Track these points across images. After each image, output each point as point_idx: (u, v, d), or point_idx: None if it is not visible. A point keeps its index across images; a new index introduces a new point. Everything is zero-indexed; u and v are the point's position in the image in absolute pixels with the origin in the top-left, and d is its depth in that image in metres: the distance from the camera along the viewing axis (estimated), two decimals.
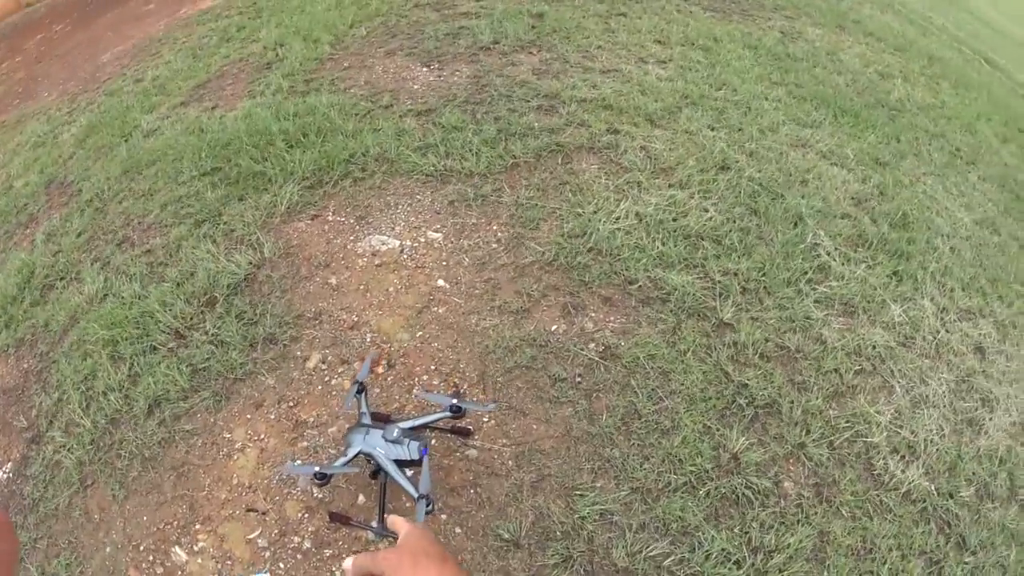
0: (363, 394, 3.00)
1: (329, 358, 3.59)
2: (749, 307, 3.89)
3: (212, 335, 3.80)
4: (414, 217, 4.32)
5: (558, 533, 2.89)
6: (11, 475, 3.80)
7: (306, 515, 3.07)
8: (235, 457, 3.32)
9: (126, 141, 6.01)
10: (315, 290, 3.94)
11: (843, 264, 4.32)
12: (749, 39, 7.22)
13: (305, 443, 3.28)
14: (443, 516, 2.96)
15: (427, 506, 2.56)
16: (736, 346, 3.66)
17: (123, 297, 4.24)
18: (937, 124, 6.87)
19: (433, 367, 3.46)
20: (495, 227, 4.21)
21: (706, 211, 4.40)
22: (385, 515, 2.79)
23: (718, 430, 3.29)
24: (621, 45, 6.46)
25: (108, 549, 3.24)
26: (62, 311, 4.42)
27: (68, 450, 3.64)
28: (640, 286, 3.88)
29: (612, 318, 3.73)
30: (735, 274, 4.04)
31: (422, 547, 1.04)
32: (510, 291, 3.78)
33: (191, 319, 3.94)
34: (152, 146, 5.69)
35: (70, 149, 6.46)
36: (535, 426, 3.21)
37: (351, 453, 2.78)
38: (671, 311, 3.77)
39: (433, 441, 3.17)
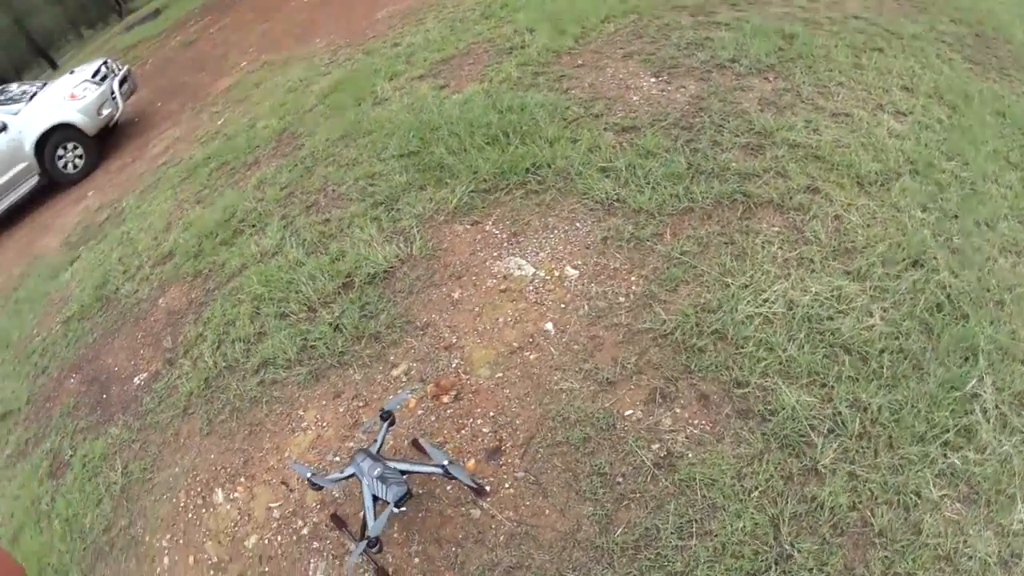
0: (387, 422, 3.40)
1: (413, 371, 4.02)
2: (857, 458, 3.41)
3: (335, 317, 4.43)
4: (563, 247, 4.50)
5: None
6: (142, 383, 4.89)
7: (318, 507, 3.62)
8: (297, 433, 3.98)
9: (358, 106, 6.82)
10: (436, 299, 4.36)
11: (995, 431, 3.56)
12: (1000, 103, 6.43)
13: (351, 444, 3.80)
14: (415, 560, 3.30)
15: (372, 547, 2.96)
16: (811, 502, 3.27)
17: (288, 258, 5.04)
18: None
19: (492, 413, 3.72)
20: (634, 278, 4.22)
21: (870, 315, 3.94)
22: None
23: None
24: (864, 86, 6.08)
25: (176, 469, 4.19)
26: (238, 256, 5.37)
27: (187, 379, 4.65)
28: (746, 393, 3.60)
29: (697, 421, 3.54)
30: (864, 408, 3.57)
31: None
32: (608, 356, 3.82)
33: (327, 296, 4.60)
34: (375, 115, 6.42)
35: (313, 101, 7.48)
36: (547, 511, 3.32)
37: (345, 472, 3.23)
38: (763, 434, 3.46)
39: (449, 487, 3.48)
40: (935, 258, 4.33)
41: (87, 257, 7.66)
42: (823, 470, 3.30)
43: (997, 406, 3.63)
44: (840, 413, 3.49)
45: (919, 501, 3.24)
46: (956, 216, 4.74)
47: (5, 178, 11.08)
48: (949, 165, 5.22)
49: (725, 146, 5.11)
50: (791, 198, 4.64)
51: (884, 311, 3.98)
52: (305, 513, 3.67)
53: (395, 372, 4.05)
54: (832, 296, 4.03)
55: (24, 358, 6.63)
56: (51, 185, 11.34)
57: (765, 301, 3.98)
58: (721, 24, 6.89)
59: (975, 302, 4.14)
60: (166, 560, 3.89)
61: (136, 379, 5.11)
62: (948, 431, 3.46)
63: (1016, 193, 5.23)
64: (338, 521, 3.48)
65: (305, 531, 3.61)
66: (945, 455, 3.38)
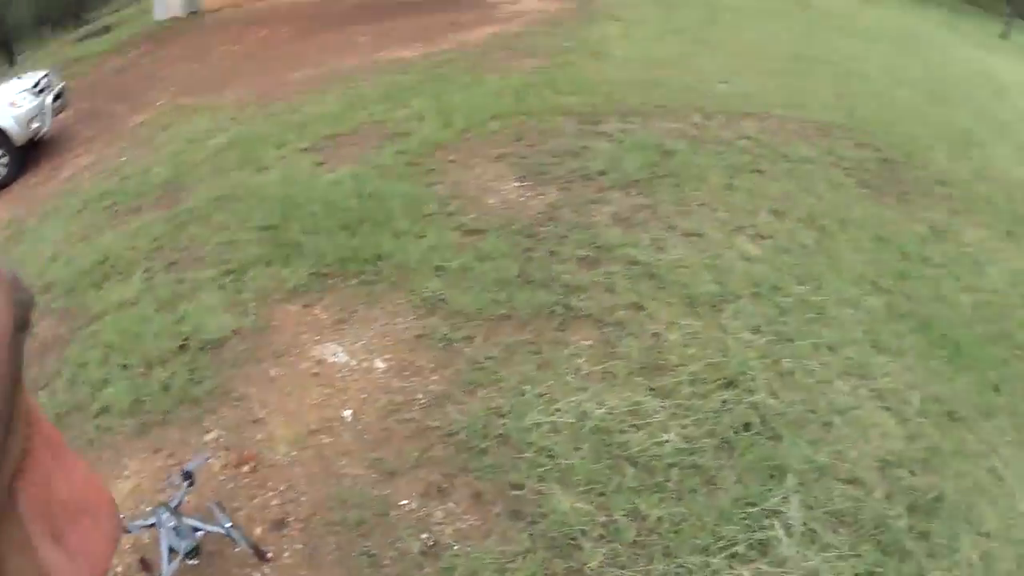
0: (188, 480, 3.93)
1: (222, 439, 4.46)
2: (627, 564, 3.66)
3: (166, 377, 4.88)
4: (379, 339, 4.96)
5: None
6: None
7: (131, 550, 4.04)
8: (120, 480, 4.39)
9: (241, 169, 7.34)
10: (256, 374, 4.81)
11: (796, 545, 3.80)
12: (884, 229, 6.93)
13: (164, 496, 4.18)
14: None
15: None
16: None
17: (141, 312, 5.48)
18: None
19: (282, 488, 4.15)
20: (436, 377, 4.63)
21: (666, 431, 4.31)
22: None
23: None
24: (728, 207, 6.55)
25: None
26: (101, 301, 5.82)
27: (43, 411, 5.08)
28: (520, 495, 3.91)
29: (468, 517, 3.85)
30: (642, 518, 3.83)
31: None
32: (395, 448, 4.24)
33: (164, 356, 5.03)
34: (253, 182, 6.93)
35: (206, 156, 8.03)
36: None
37: (148, 521, 3.65)
38: (530, 535, 3.74)
39: (237, 550, 3.85)
40: (754, 379, 4.75)
41: None
42: (590, 572, 3.65)
43: (805, 523, 3.95)
44: (615, 521, 3.84)
45: None
46: (792, 340, 5.17)
47: None
48: (799, 289, 5.68)
49: (562, 257, 5.62)
50: (612, 314, 5.11)
51: (683, 427, 4.36)
52: (119, 553, 4.02)
53: (207, 437, 4.49)
54: (628, 411, 4.43)
55: None
56: None
57: (556, 411, 4.38)
58: (604, 134, 7.46)
59: (794, 423, 4.52)
60: None
61: None
62: (737, 544, 3.80)
63: (874, 318, 5.71)
64: (146, 565, 3.87)
65: (119, 569, 3.98)
66: (731, 567, 3.71)
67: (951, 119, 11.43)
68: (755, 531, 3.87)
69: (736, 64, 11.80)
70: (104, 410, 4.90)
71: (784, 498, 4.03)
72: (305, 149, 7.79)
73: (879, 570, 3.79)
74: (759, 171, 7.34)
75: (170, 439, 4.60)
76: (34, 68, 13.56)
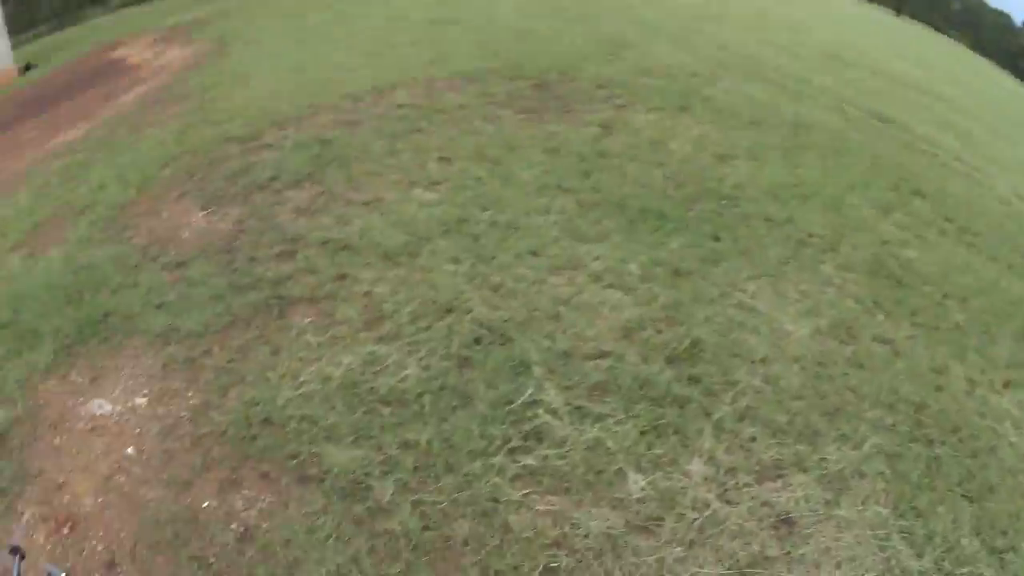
0: (18, 554, 3.77)
1: (37, 514, 4.70)
2: (418, 487, 4.05)
3: None
4: (132, 381, 5.20)
5: None
6: None
7: None
8: None
9: None
10: (43, 449, 5.06)
11: (570, 424, 4.26)
12: (552, 140, 7.61)
13: None
14: None
15: None
16: (384, 535, 3.85)
17: None
18: (786, 207, 6.95)
19: (102, 533, 4.46)
20: (191, 393, 4.96)
21: (404, 368, 4.75)
22: None
23: None
24: (398, 168, 7.12)
25: None
26: None
27: None
28: (300, 462, 4.31)
29: (264, 496, 4.20)
30: (413, 446, 4.26)
31: None
32: (181, 463, 4.53)
33: None
34: None
35: None
36: None
37: None
38: (323, 491, 4.11)
39: None
40: (469, 300, 5.22)
41: None
42: (387, 506, 4.00)
43: (568, 402, 4.39)
44: (391, 456, 4.29)
45: (498, 506, 3.87)
46: (493, 257, 5.65)
47: None
48: (485, 215, 6.21)
49: (260, 259, 6.07)
50: (322, 289, 5.59)
51: (419, 360, 4.84)
52: None
53: (24, 519, 4.71)
54: (367, 362, 4.91)
55: None
56: None
57: (302, 383, 4.86)
58: (265, 146, 7.89)
59: (522, 324, 4.97)
60: None
61: None
62: (511, 440, 4.21)
63: (569, 216, 6.23)
64: None
65: None
66: (515, 460, 4.11)
67: (597, 31, 12.30)
68: (523, 423, 4.35)
69: (373, 47, 12.34)
70: None
71: (538, 387, 4.52)
72: (13, 248, 7.80)
73: (661, 421, 4.26)
74: (419, 130, 7.91)
75: None
76: None
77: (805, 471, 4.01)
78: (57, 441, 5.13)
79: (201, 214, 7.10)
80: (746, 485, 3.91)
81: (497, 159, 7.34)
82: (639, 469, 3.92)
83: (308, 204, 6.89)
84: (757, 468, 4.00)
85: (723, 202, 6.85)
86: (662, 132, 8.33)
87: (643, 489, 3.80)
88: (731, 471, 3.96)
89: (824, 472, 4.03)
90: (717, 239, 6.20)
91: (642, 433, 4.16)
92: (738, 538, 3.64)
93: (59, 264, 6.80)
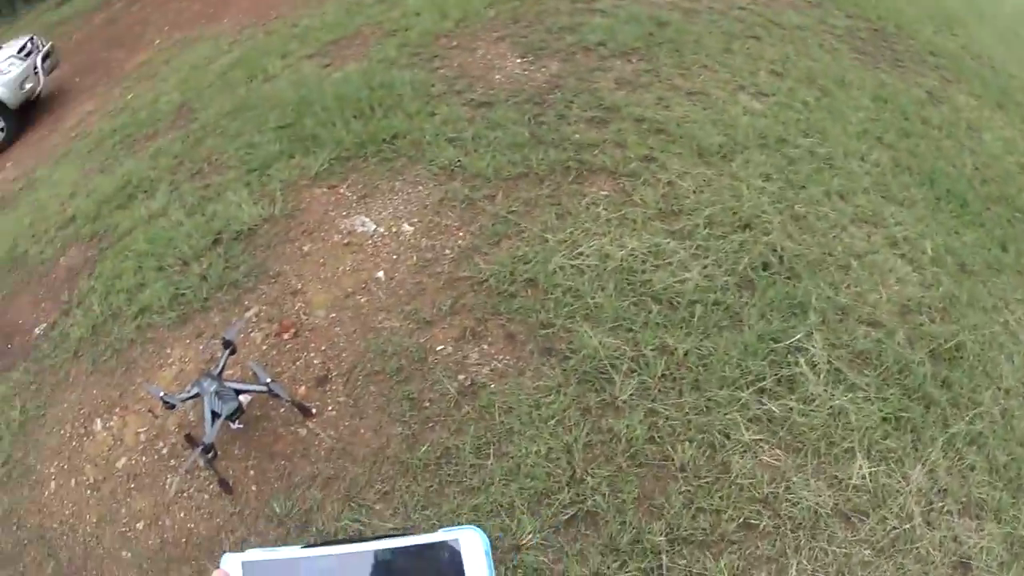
0: (228, 349, 4.00)
1: (263, 313, 4.59)
2: (658, 396, 3.75)
3: (203, 269, 5.00)
4: (404, 207, 5.07)
5: (314, 529, 3.58)
6: (41, 333, 5.48)
7: (176, 430, 4.23)
8: (164, 368, 4.56)
9: (249, 82, 7.42)
10: (289, 252, 4.93)
11: (825, 386, 3.85)
12: (883, 90, 6.94)
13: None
14: (251, 471, 3.89)
15: (207, 453, 3.61)
16: (607, 433, 3.62)
17: (171, 219, 5.59)
18: None
19: (323, 348, 4.29)
20: (461, 233, 4.81)
21: (687, 270, 4.36)
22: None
23: (518, 519, 3.36)
24: (730, 69, 6.58)
25: (65, 405, 4.76)
26: (129, 219, 5.94)
27: (78, 326, 5.20)
28: (550, 334, 4.07)
29: (502, 357, 4.03)
30: (670, 352, 3.91)
31: None
32: (428, 300, 4.37)
33: (199, 252, 5.16)
34: (262, 92, 7.02)
35: (212, 78, 8.06)
36: (363, 431, 3.87)
37: (191, 392, 3.82)
38: (563, 370, 3.87)
39: (282, 410, 4.05)
40: (769, 222, 4.79)
41: (1, 223, 8.21)
42: (621, 405, 3.75)
43: (830, 361, 4.00)
44: (644, 355, 3.93)
45: (727, 442, 3.58)
46: (804, 187, 5.20)
47: None
48: (805, 141, 5.70)
49: (570, 119, 5.67)
50: (625, 166, 5.16)
51: (703, 267, 4.43)
52: (166, 436, 4.25)
53: (248, 313, 4.62)
54: (649, 252, 4.51)
55: None
56: None
57: (579, 254, 4.48)
58: (598, 11, 7.43)
59: (812, 265, 4.56)
60: (53, 484, 4.41)
61: (36, 329, 5.62)
62: (765, 379, 3.86)
63: (883, 170, 5.71)
64: (191, 440, 4.03)
65: (165, 451, 4.19)
66: (761, 402, 3.77)
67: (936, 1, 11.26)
68: (781, 367, 3.92)
69: None
70: (143, 311, 5.04)
71: (808, 334, 4.07)
72: (310, 55, 7.80)
73: (905, 415, 3.83)
74: (755, 37, 7.28)
75: (211, 323, 4.75)
76: (15, 37, 13.45)
77: (999, 522, 3.59)
78: (307, 248, 4.99)
79: (518, 60, 6.72)
80: (948, 512, 3.55)
81: (827, 90, 6.68)
82: (868, 456, 3.59)
83: (632, 78, 6.38)
84: (963, 500, 3.62)
85: (1017, 215, 5.99)
86: (979, 120, 7.39)
87: (864, 478, 3.49)
88: (942, 492, 3.60)
89: (1012, 531, 3.58)
90: (1004, 249, 5.45)
91: (884, 419, 3.79)
92: (920, 563, 3.35)
93: (356, 78, 6.65)
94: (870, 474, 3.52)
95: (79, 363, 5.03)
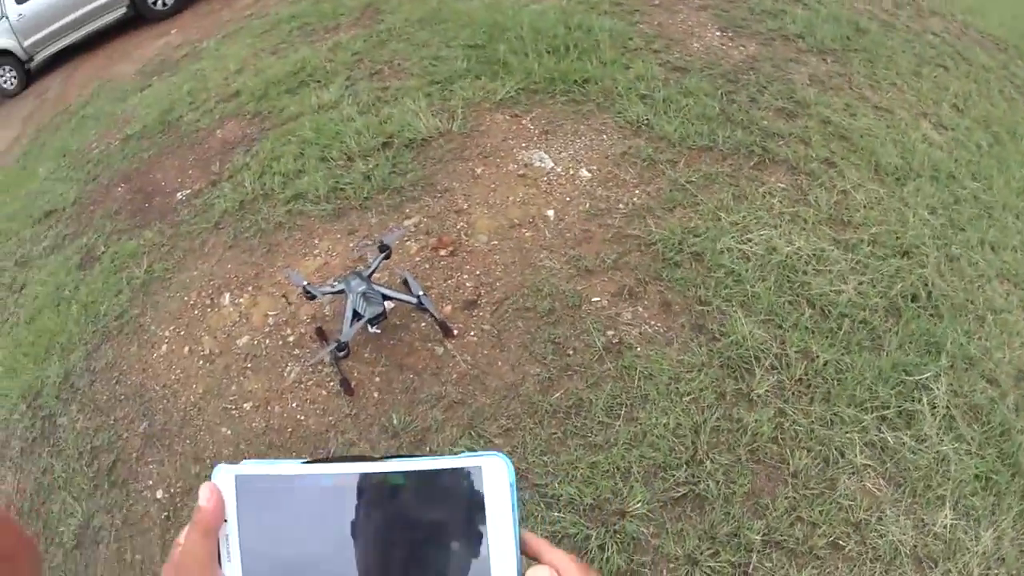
0: (383, 253, 4.01)
1: (422, 224, 4.64)
2: (791, 399, 3.74)
3: (368, 169, 5.06)
4: (585, 152, 5.03)
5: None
6: (183, 198, 5.59)
7: (308, 321, 4.27)
8: (308, 258, 4.62)
9: None
10: (460, 171, 4.95)
11: (938, 429, 3.79)
12: None
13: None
14: (377, 378, 3.93)
15: (340, 351, 3.67)
16: (736, 423, 3.61)
17: (342, 113, 5.67)
18: None
19: (478, 272, 4.32)
20: (638, 191, 4.74)
21: (843, 282, 4.31)
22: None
23: (631, 486, 3.35)
24: (916, 93, 6.43)
25: (195, 272, 4.86)
26: (297, 104, 6.06)
27: (225, 199, 5.29)
28: (705, 311, 4.04)
29: (654, 322, 4.00)
30: (811, 358, 3.89)
31: None
32: (593, 249, 4.36)
33: (366, 151, 5.23)
34: (455, 7, 7.04)
35: None
36: (500, 363, 3.88)
37: (336, 287, 3.89)
38: (709, 350, 3.86)
39: (423, 324, 4.09)
40: (926, 255, 4.70)
41: (158, 86, 8.39)
42: (755, 398, 3.72)
43: (948, 407, 3.93)
44: (787, 355, 3.90)
45: (840, 460, 3.55)
46: (963, 229, 5.10)
47: (92, 5, 11.87)
48: (972, 184, 5.57)
49: (761, 105, 5.58)
50: (806, 164, 5.08)
51: (859, 283, 4.36)
52: (295, 324, 4.32)
53: (407, 222, 4.66)
54: (813, 255, 4.45)
55: (79, 166, 7.42)
56: (136, 18, 12.12)
57: (748, 240, 4.44)
58: (800, 2, 7.30)
59: (955, 308, 4.47)
60: (164, 347, 4.56)
61: (179, 194, 5.80)
62: (888, 408, 3.82)
63: None
64: (321, 334, 4.12)
65: (291, 339, 4.26)
66: (880, 429, 3.74)
67: None
68: (906, 400, 3.87)
69: None
70: (297, 196, 5.12)
71: (936, 375, 3.99)
72: None
73: (994, 476, 3.76)
74: (943, 67, 7.09)
75: (366, 222, 4.80)
76: None
77: None
78: (479, 170, 5.00)
79: (717, 33, 6.62)
80: None
81: (999, 138, 6.47)
82: (954, 507, 3.51)
83: (825, 78, 6.27)
84: (1014, 573, 3.45)
85: None
86: None
87: (945, 527, 3.42)
88: (1000, 560, 3.45)
89: None
90: None
91: (976, 476, 3.68)
92: None
93: (553, 15, 6.62)
94: (951, 525, 3.48)
95: (219, 235, 5.16)
